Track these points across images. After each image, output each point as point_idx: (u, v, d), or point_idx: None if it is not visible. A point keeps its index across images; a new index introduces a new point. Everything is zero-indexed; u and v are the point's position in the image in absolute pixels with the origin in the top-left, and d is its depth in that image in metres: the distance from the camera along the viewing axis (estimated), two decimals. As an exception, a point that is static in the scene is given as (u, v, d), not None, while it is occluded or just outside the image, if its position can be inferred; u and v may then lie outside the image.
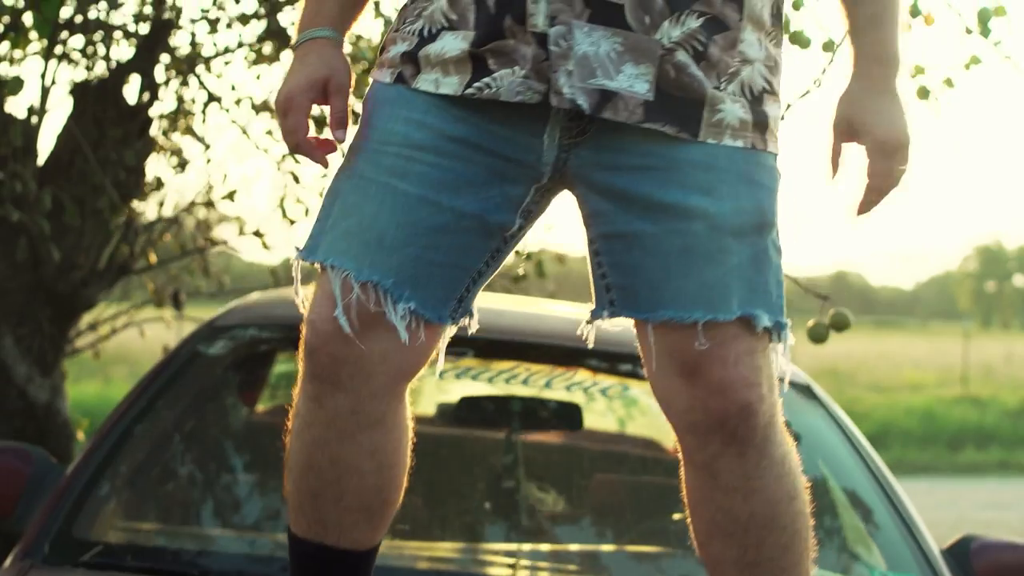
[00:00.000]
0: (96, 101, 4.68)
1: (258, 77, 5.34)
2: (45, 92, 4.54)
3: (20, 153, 4.39)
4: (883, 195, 2.13)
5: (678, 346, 2.07)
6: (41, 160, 4.71)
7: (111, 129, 4.64)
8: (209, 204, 5.34)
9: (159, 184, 4.98)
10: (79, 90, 4.74)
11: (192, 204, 5.34)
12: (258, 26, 4.79)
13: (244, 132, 5.10)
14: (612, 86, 2.01)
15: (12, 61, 4.47)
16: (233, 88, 5.16)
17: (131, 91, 4.76)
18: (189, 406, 3.25)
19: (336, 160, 2.26)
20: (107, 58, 4.73)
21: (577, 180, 2.12)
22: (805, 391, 3.46)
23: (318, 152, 2.21)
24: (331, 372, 2.13)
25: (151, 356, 5.73)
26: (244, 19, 4.79)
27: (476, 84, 2.06)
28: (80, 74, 4.81)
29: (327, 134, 2.19)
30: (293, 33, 2.36)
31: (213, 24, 4.78)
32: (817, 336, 3.40)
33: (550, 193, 2.18)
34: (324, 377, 2.13)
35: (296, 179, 5.13)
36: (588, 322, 2.19)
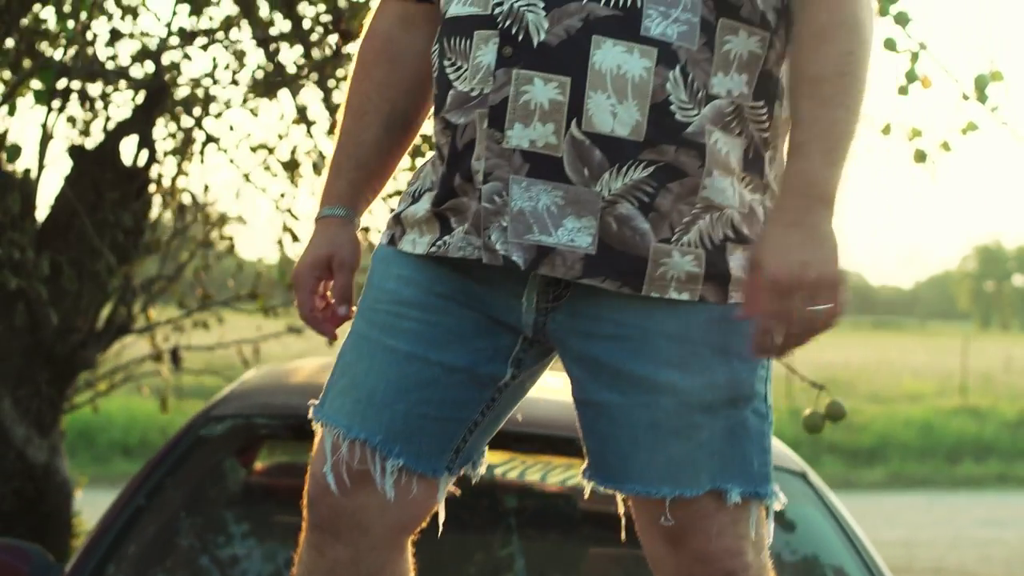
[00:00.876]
0: (94, 163, 4.69)
1: (254, 113, 5.34)
2: (43, 151, 4.55)
3: (18, 219, 4.39)
4: (791, 339, 1.98)
5: (657, 517, 2.09)
6: (39, 218, 4.72)
7: (109, 191, 4.65)
8: (207, 244, 5.36)
9: (157, 245, 4.99)
10: (77, 151, 4.75)
11: (190, 258, 5.34)
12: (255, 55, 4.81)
13: (247, 178, 5.12)
14: (549, 242, 2.01)
15: (12, 110, 4.46)
16: (232, 128, 5.20)
17: (129, 152, 4.77)
18: (187, 502, 3.26)
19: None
20: (106, 120, 4.74)
21: (556, 343, 2.14)
22: (801, 478, 3.46)
23: (327, 325, 2.29)
24: (330, 523, 2.18)
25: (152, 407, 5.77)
26: (239, 55, 4.81)
27: (438, 242, 2.11)
28: (78, 133, 4.82)
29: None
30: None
31: (212, 74, 4.79)
32: (812, 426, 3.42)
33: (540, 346, 2.19)
34: (324, 528, 2.19)
35: (295, 238, 5.13)
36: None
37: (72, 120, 4.80)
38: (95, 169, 4.66)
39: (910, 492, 15.15)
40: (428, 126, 2.37)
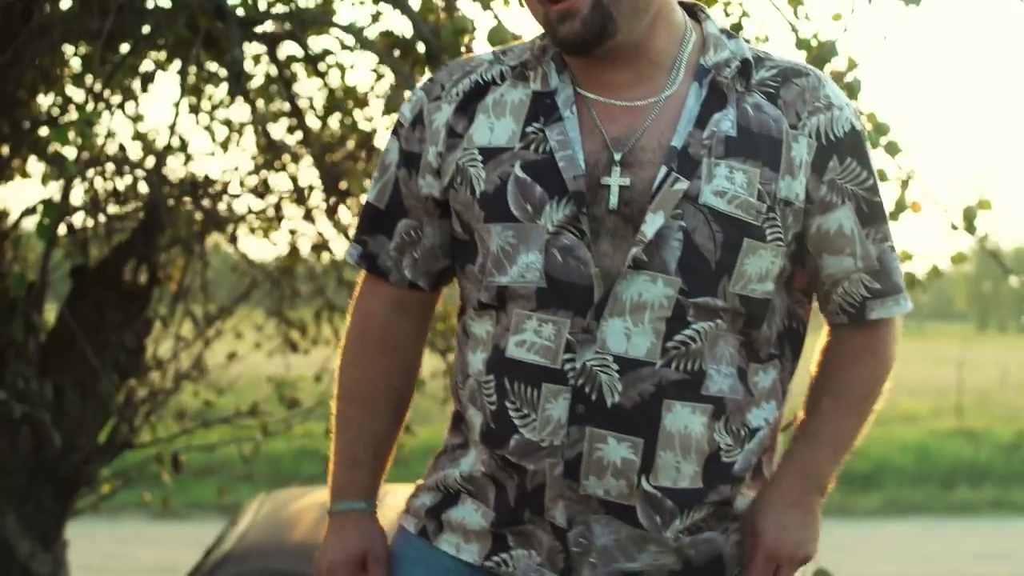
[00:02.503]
0: (96, 283, 4.77)
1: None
2: (44, 274, 4.63)
3: (22, 345, 4.47)
4: None
5: None
6: (42, 336, 4.80)
7: (111, 312, 4.73)
8: (199, 367, 5.44)
9: (158, 364, 5.07)
10: (79, 272, 4.82)
11: (188, 372, 5.42)
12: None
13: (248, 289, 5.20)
14: (634, 567, 2.19)
15: (16, 242, 4.55)
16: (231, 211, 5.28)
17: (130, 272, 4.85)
18: None
19: None
20: (107, 241, 4.82)
21: None
22: None
23: None
24: None
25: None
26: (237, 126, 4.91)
27: (495, 558, 2.23)
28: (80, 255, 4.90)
29: None
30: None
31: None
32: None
33: None
34: None
35: (294, 348, 5.21)
36: None
37: (72, 247, 4.88)
38: (97, 290, 4.75)
39: (905, 520, 15.21)
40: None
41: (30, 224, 4.62)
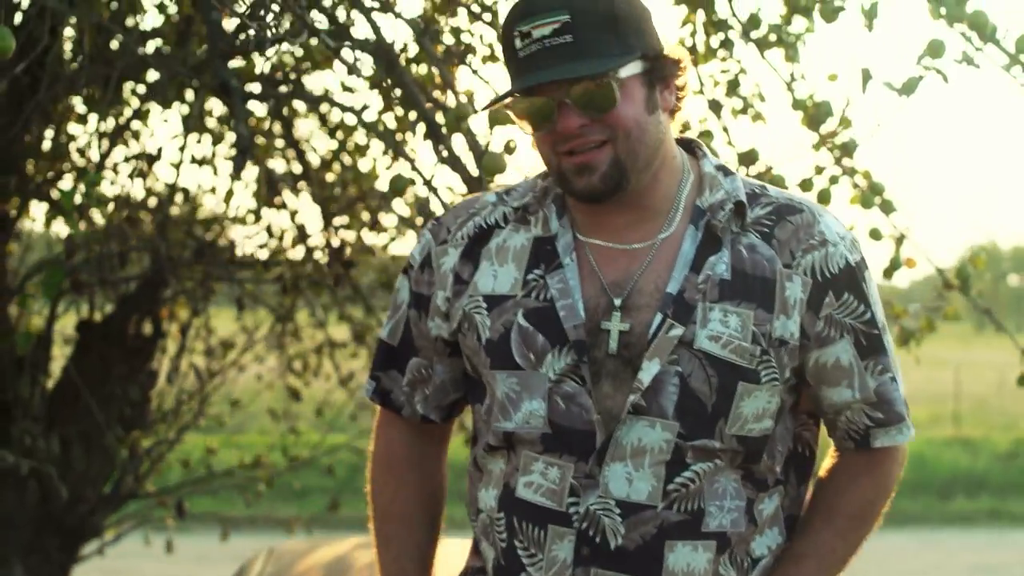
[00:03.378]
0: (102, 338, 4.83)
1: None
2: (50, 329, 4.69)
3: (28, 402, 4.54)
4: None
5: None
6: (48, 388, 4.87)
7: (116, 366, 4.79)
8: (199, 415, 5.51)
9: (163, 417, 5.14)
10: (84, 326, 4.88)
11: (193, 421, 5.49)
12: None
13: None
14: None
15: (23, 301, 4.61)
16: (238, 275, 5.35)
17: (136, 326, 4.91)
18: None
19: None
20: (112, 297, 4.88)
21: None
22: None
23: None
24: None
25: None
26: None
27: None
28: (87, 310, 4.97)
29: None
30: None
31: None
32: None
33: None
34: None
35: (296, 396, 5.27)
36: None
37: (77, 303, 4.94)
38: (102, 345, 4.80)
39: (902, 531, 15.25)
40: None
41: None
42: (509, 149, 3.38)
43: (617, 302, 2.22)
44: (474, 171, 3.37)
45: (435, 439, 2.50)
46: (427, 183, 3.51)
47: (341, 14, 3.65)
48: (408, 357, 2.42)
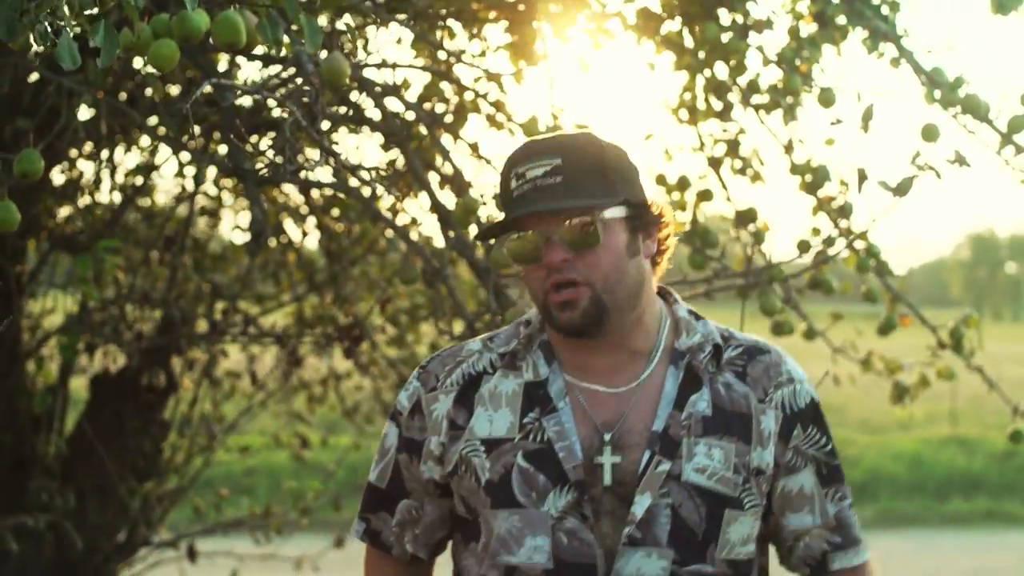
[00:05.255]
0: (115, 392, 4.93)
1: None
2: (65, 385, 4.80)
3: (44, 458, 4.64)
4: None
5: None
6: (64, 432, 4.98)
7: (130, 419, 4.89)
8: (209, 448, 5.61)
9: (176, 469, 5.25)
10: (98, 380, 4.99)
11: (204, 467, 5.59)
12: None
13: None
14: None
15: (40, 363, 4.71)
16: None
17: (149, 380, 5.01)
18: None
19: None
20: (125, 352, 4.98)
21: None
22: None
23: None
24: None
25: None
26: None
27: None
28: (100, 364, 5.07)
29: None
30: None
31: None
32: None
33: None
34: None
35: (305, 443, 5.38)
36: None
37: (90, 357, 5.04)
38: (116, 399, 4.91)
39: (899, 532, 15.32)
40: None
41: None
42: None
43: (607, 437, 2.37)
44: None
45: None
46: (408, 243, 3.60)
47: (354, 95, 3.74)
48: (397, 499, 2.55)
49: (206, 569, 6.23)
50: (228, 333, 4.66)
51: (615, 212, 2.35)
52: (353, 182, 3.53)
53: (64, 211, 5.12)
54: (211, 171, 5.16)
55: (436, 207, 3.50)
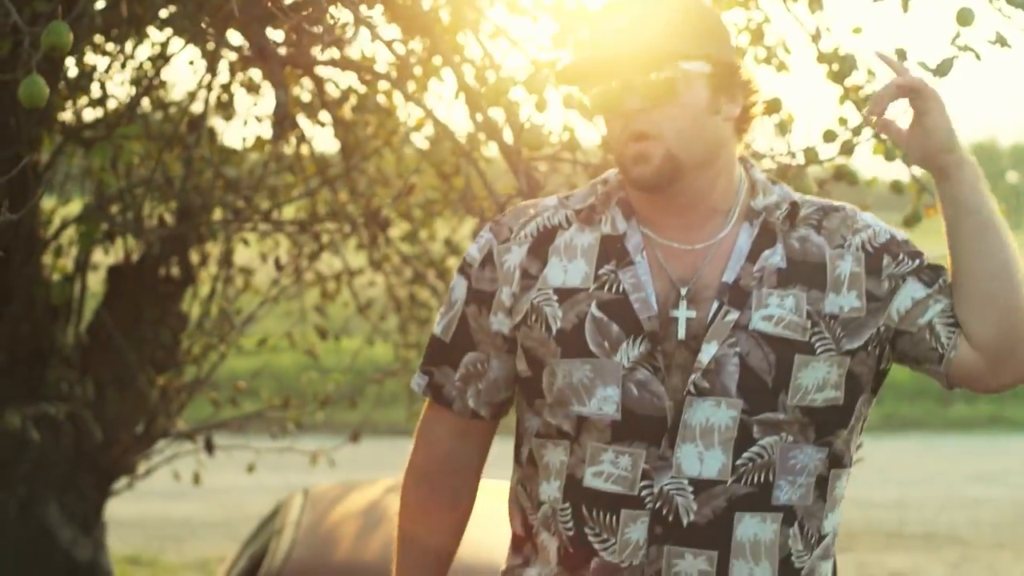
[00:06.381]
0: (134, 282, 4.90)
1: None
2: (84, 276, 4.77)
3: (66, 351, 4.63)
4: None
5: None
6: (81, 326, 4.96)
7: (148, 309, 4.87)
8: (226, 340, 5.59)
9: (194, 358, 5.22)
10: (116, 271, 4.96)
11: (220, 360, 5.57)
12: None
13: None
14: None
15: (59, 251, 4.67)
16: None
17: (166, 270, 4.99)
18: None
19: None
20: (142, 239, 4.95)
21: None
22: None
23: None
24: None
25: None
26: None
27: None
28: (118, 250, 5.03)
29: None
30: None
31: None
32: None
33: None
34: None
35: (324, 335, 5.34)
36: None
37: (107, 248, 5.00)
38: (135, 289, 4.88)
39: (903, 435, 15.42)
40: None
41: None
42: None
43: (683, 291, 2.35)
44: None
45: (477, 441, 2.54)
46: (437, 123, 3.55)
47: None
48: (462, 352, 2.48)
49: (223, 462, 6.25)
50: (250, 220, 4.61)
51: (697, 67, 2.33)
52: (380, 67, 3.47)
53: (78, 103, 5.04)
54: (223, 68, 5.11)
55: (464, 88, 3.44)
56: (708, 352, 2.32)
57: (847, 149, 4.32)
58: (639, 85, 2.30)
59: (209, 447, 5.35)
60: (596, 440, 2.35)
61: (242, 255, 6.04)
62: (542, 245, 2.43)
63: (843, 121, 4.49)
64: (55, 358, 4.66)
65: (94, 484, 5.02)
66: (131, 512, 9.19)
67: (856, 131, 4.38)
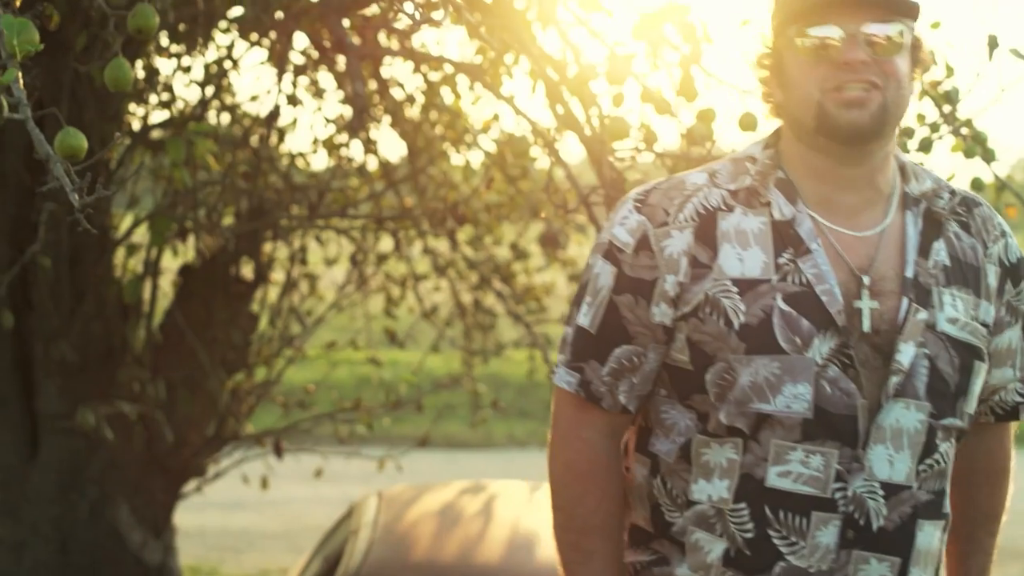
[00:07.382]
0: (205, 282, 4.88)
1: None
2: (155, 275, 4.75)
3: (137, 350, 4.62)
4: None
5: None
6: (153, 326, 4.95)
7: (219, 311, 4.85)
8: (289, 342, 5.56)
9: (265, 360, 5.20)
10: (187, 271, 4.95)
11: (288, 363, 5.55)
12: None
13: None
14: None
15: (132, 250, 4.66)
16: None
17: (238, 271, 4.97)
18: None
19: None
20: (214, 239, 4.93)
21: None
22: None
23: None
24: None
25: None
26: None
27: None
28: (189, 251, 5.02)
29: None
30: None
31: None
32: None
33: None
34: None
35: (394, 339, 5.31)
36: None
37: (177, 248, 4.99)
38: (206, 289, 4.86)
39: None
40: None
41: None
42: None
43: (866, 280, 2.28)
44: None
45: (620, 436, 2.39)
46: (519, 113, 3.50)
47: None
48: (613, 346, 2.31)
49: (284, 474, 6.23)
50: (328, 215, 4.58)
51: (913, 30, 2.29)
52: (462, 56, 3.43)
53: (145, 107, 5.05)
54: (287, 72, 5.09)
55: (544, 79, 3.40)
56: (907, 353, 2.26)
57: (925, 146, 4.26)
58: (881, 36, 2.23)
59: (278, 451, 5.32)
60: (781, 439, 2.25)
61: (324, 245, 6.01)
62: (707, 230, 2.28)
63: (921, 118, 4.42)
64: (127, 358, 4.64)
65: (164, 487, 5.00)
66: (191, 522, 9.19)
67: (934, 127, 4.32)
